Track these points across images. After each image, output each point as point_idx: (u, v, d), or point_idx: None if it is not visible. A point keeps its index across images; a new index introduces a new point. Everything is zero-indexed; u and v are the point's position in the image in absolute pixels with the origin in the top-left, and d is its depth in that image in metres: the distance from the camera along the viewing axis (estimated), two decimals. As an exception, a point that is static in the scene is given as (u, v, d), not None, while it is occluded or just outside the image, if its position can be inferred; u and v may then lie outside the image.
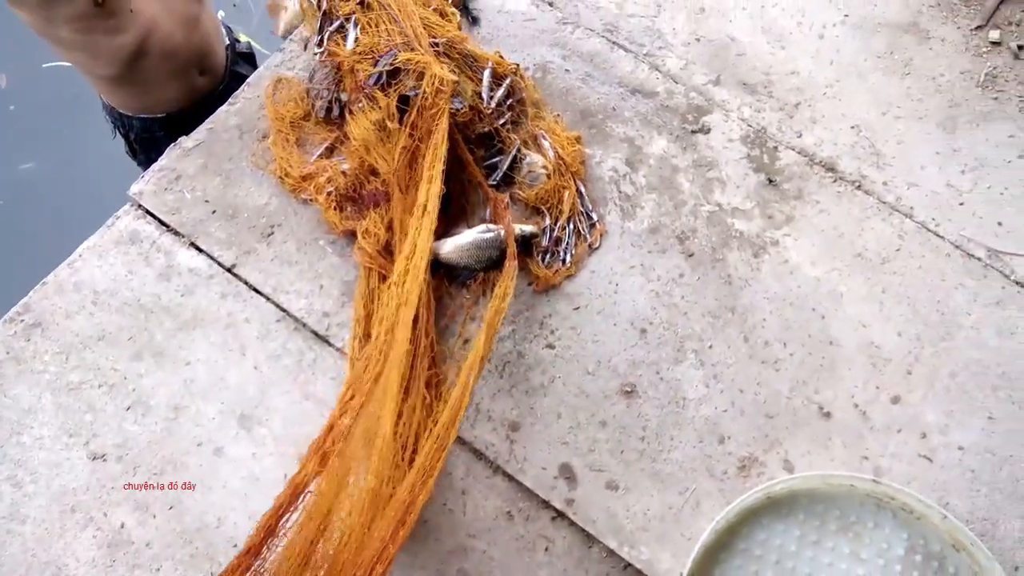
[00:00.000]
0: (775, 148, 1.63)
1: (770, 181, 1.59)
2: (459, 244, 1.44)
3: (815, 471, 1.34)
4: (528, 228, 1.48)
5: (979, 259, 1.52)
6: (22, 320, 1.43)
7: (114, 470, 1.33)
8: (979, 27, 1.75)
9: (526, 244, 1.48)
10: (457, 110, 1.43)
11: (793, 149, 1.62)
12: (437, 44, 1.45)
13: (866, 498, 1.28)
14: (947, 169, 1.60)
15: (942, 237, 1.54)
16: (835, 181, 1.59)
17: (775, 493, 1.28)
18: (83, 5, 1.58)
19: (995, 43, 1.74)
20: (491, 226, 1.46)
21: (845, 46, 1.73)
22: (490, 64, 1.53)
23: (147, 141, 2.01)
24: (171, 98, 1.94)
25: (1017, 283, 1.50)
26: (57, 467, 1.33)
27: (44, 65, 2.73)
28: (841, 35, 1.74)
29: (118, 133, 2.07)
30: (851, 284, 1.50)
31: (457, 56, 1.48)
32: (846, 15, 1.76)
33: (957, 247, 1.53)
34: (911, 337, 1.45)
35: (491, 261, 1.44)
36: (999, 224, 1.55)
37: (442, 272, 1.47)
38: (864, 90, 1.68)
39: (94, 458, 1.33)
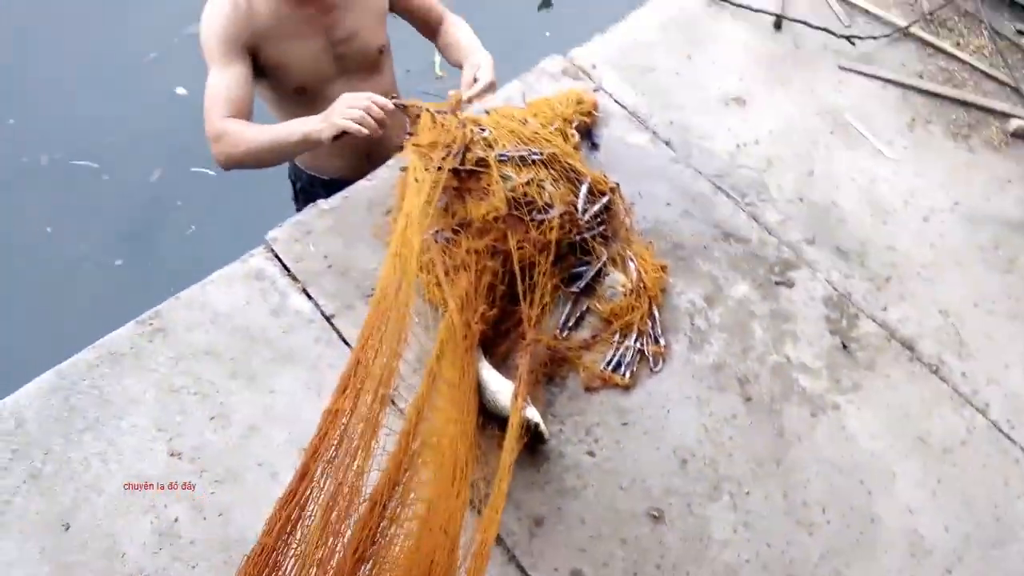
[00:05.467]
0: (856, 315, 1.65)
1: (844, 346, 1.61)
2: (489, 386, 1.50)
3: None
4: (532, 414, 1.44)
5: (1052, 472, 1.46)
6: (151, 324, 1.66)
7: (185, 468, 1.50)
8: (1099, 239, 1.72)
9: (530, 430, 1.45)
10: (542, 221, 1.57)
11: (875, 320, 1.64)
12: (539, 154, 1.61)
13: None
14: (1035, 373, 1.57)
15: (1014, 441, 1.49)
16: (911, 360, 1.59)
17: None
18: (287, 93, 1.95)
19: (1114, 258, 1.70)
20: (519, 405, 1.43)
21: (949, 232, 1.75)
22: (588, 179, 1.67)
23: (308, 194, 2.29)
24: (337, 167, 2.21)
25: (1091, 507, 1.42)
26: (140, 454, 1.51)
27: (192, 169, 3.33)
28: (947, 221, 1.76)
29: (289, 179, 2.39)
30: (906, 466, 1.47)
31: (558, 168, 1.64)
32: (956, 203, 1.79)
33: (1030, 455, 1.48)
34: (959, 535, 1.40)
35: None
36: (1082, 441, 1.49)
37: None
38: (960, 278, 1.69)
39: (171, 454, 1.51)
